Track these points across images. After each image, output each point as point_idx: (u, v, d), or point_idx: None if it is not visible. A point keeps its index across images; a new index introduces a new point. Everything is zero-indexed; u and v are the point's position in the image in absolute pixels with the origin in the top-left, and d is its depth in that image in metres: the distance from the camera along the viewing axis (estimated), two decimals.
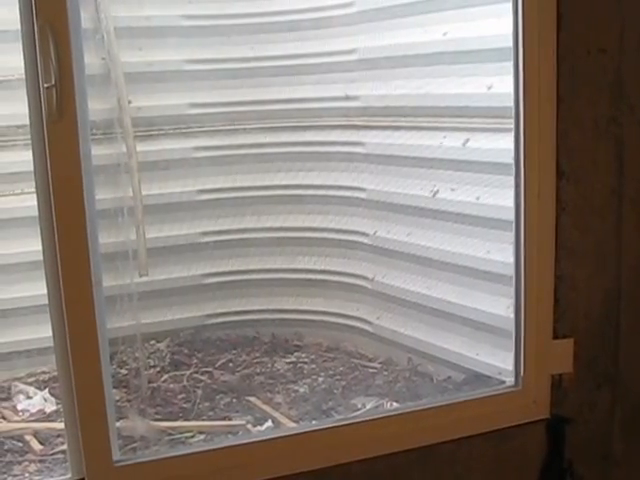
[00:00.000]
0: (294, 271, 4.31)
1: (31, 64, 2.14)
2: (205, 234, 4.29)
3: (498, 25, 2.79)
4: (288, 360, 4.07)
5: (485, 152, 3.38)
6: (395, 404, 3.30)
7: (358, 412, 3.40)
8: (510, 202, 3.17)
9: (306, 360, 4.06)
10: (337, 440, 2.59)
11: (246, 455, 2.48)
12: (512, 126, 2.89)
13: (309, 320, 4.32)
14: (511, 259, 3.22)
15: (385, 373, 3.84)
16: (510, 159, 3.18)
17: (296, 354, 4.14)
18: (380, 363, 3.95)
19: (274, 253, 4.31)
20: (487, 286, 3.43)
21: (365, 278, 4.10)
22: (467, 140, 3.46)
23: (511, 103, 2.86)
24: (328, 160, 4.16)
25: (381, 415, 2.75)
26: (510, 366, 2.98)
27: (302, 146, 4.21)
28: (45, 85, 2.11)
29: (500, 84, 3.27)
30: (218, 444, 2.59)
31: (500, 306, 3.39)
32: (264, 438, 2.58)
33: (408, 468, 2.63)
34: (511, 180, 3.18)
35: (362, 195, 4.07)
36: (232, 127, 4.23)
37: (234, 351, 4.18)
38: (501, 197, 3.30)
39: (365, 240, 4.09)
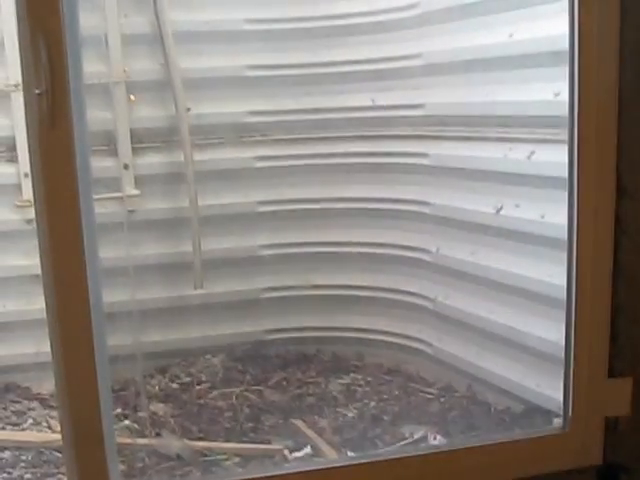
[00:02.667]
0: (356, 288, 3.97)
1: (28, 70, 1.97)
2: (264, 247, 4.00)
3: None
4: (343, 381, 3.73)
5: (551, 166, 3.01)
6: (439, 437, 2.97)
7: (403, 442, 3.10)
8: None
9: (361, 382, 3.71)
10: (366, 478, 2.32)
11: None
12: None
13: (371, 339, 3.97)
14: None
15: (442, 400, 3.49)
16: None
17: (352, 375, 3.79)
18: (438, 389, 3.57)
19: (336, 269, 3.97)
20: (550, 313, 3.06)
21: (427, 298, 3.73)
22: (532, 152, 3.09)
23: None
24: (391, 172, 3.81)
25: (417, 453, 2.43)
26: None
27: (365, 157, 3.87)
28: (37, 91, 1.94)
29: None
30: (225, 477, 2.36)
31: (563, 336, 3.04)
32: (276, 473, 2.32)
33: None
34: None
35: (426, 210, 3.69)
36: (293, 136, 3.92)
37: (289, 369, 3.88)
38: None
39: (427, 258, 3.71)
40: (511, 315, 3.25)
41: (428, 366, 3.75)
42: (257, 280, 4.01)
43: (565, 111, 2.89)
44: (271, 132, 3.92)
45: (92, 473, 2.12)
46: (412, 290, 3.81)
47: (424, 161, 3.69)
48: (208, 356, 3.95)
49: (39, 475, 3.12)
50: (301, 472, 2.34)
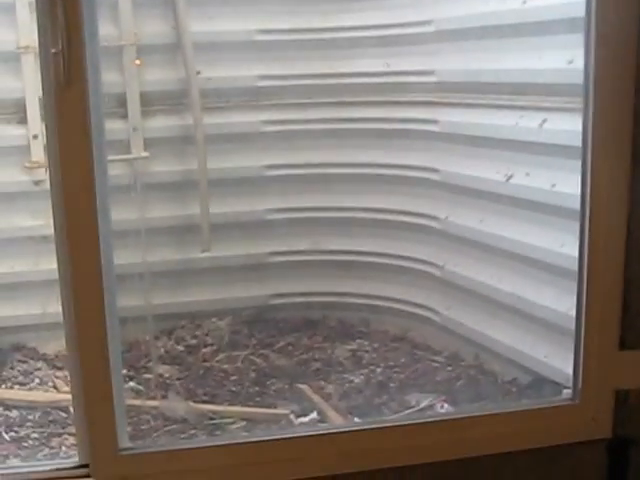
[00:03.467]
0: (364, 254, 3.91)
1: (44, 30, 1.92)
2: (272, 211, 3.94)
3: None
4: (349, 347, 3.69)
5: (563, 134, 2.94)
6: (446, 406, 2.93)
7: (409, 410, 3.06)
8: None
9: (368, 348, 3.68)
10: (373, 444, 2.26)
11: (260, 453, 2.18)
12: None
13: (377, 306, 3.92)
14: None
15: (449, 368, 3.44)
16: None
17: (359, 341, 3.75)
18: (445, 357, 3.53)
19: (344, 234, 3.91)
20: (560, 283, 3.00)
21: (435, 265, 3.68)
22: (544, 121, 3.02)
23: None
24: (401, 138, 3.74)
25: (424, 420, 2.39)
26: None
27: (374, 122, 3.79)
28: (52, 51, 1.90)
29: (582, 58, 2.86)
30: (230, 440, 2.30)
31: (571, 305, 2.99)
32: (282, 437, 2.26)
33: None
34: None
35: (435, 177, 3.63)
36: (303, 101, 3.84)
37: (296, 334, 3.84)
38: (579, 185, 2.90)
39: (436, 225, 3.65)
40: (520, 284, 3.20)
41: (435, 334, 3.70)
42: (264, 244, 3.96)
43: (579, 79, 2.84)
44: (281, 96, 3.85)
45: (100, 433, 2.09)
46: (420, 257, 3.75)
47: (434, 128, 3.62)
48: (214, 319, 3.90)
49: (45, 435, 3.11)
50: (307, 436, 2.31)
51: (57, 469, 2.16)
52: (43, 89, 1.97)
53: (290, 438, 2.27)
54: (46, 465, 2.24)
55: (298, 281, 3.99)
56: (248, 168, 3.89)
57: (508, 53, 3.16)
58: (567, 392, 2.37)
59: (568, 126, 2.94)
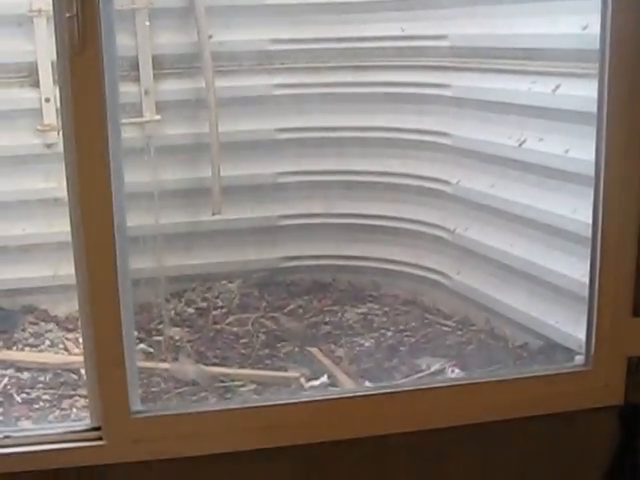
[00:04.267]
0: (374, 217, 3.87)
1: None
2: (283, 174, 3.90)
3: None
4: (359, 311, 3.67)
5: (577, 100, 2.90)
6: (457, 370, 2.91)
7: (420, 374, 3.04)
8: None
9: (378, 312, 3.66)
10: (383, 409, 2.24)
11: (269, 417, 2.17)
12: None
13: (388, 270, 3.88)
14: None
15: (459, 333, 3.42)
16: None
17: (369, 305, 3.73)
18: (455, 321, 3.50)
19: (354, 197, 3.87)
20: (572, 248, 2.96)
21: (446, 230, 3.64)
22: (558, 86, 2.98)
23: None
24: (413, 102, 3.69)
25: (435, 385, 2.36)
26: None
27: (386, 87, 3.73)
28: (67, 14, 1.86)
29: (597, 24, 2.81)
30: (242, 403, 2.28)
31: (583, 272, 2.95)
32: (292, 401, 2.25)
33: (455, 447, 2.24)
34: None
35: (447, 141, 3.58)
36: (315, 65, 3.79)
37: (306, 297, 3.81)
38: (593, 151, 2.85)
39: (447, 189, 3.61)
40: (532, 249, 3.17)
41: (445, 298, 3.67)
42: (275, 207, 3.93)
43: (593, 44, 2.79)
44: (294, 60, 3.80)
45: (113, 396, 2.08)
46: (431, 221, 3.71)
47: (446, 92, 3.58)
48: (224, 282, 3.89)
49: (56, 396, 3.11)
50: (317, 400, 2.29)
51: (69, 432, 2.14)
52: (57, 53, 1.94)
53: (301, 402, 2.25)
54: (58, 428, 2.22)
55: (309, 244, 3.96)
56: (260, 131, 3.84)
57: (522, 18, 3.10)
58: (579, 358, 2.35)
59: (582, 92, 2.89)
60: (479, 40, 3.42)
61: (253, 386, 3.02)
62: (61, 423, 2.83)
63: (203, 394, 2.96)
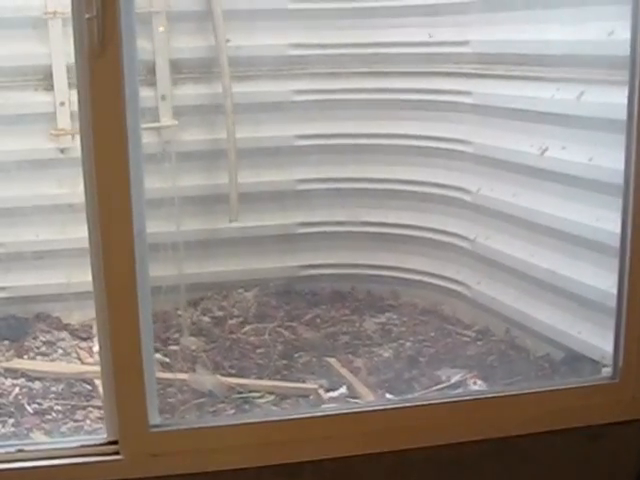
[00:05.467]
0: (393, 226, 3.84)
1: None
2: (302, 181, 3.87)
3: None
4: (378, 320, 3.63)
5: (602, 107, 2.86)
6: (479, 382, 2.87)
7: (440, 386, 3.00)
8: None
9: (397, 322, 3.62)
10: (405, 422, 2.22)
11: (290, 431, 2.15)
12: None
13: (407, 279, 3.85)
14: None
15: (479, 343, 3.38)
16: None
17: (387, 314, 3.69)
18: (475, 332, 3.47)
19: (374, 205, 3.85)
20: (595, 258, 2.92)
21: (466, 239, 3.60)
22: (582, 93, 2.94)
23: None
24: (434, 110, 3.66)
25: (459, 399, 2.33)
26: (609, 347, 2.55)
27: (407, 93, 3.70)
28: (86, 16, 1.85)
29: (623, 30, 2.77)
30: (262, 417, 2.25)
31: (608, 282, 2.91)
32: (312, 415, 2.23)
33: (478, 461, 2.22)
34: None
35: (468, 149, 3.55)
36: (335, 70, 3.77)
37: (323, 306, 3.78)
38: (617, 159, 2.82)
39: (468, 198, 3.57)
40: (553, 259, 3.13)
41: (464, 308, 3.64)
42: (294, 215, 3.91)
43: (619, 51, 2.76)
44: (313, 65, 3.78)
45: (130, 409, 2.06)
46: (451, 230, 3.68)
47: (468, 99, 3.55)
48: (241, 290, 3.86)
49: (69, 407, 3.06)
50: (338, 414, 2.26)
51: (84, 446, 2.12)
52: (75, 55, 1.94)
53: (322, 416, 2.23)
54: (73, 441, 2.20)
55: (327, 253, 3.93)
56: (278, 138, 3.82)
57: (546, 24, 3.07)
58: (607, 370, 2.32)
59: (607, 99, 2.87)
60: (501, 46, 3.38)
61: (271, 397, 2.98)
62: (76, 436, 2.78)
63: (220, 405, 2.92)
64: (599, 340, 2.93)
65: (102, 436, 2.12)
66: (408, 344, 3.38)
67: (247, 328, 3.56)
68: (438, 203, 3.73)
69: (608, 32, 2.77)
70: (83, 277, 3.82)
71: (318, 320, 3.66)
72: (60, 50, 3.56)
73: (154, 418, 2.12)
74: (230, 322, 3.62)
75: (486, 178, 3.49)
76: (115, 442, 2.09)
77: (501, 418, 2.26)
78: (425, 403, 2.27)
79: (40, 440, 2.80)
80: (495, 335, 3.43)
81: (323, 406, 2.79)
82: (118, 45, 1.89)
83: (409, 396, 2.80)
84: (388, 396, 2.86)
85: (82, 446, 2.11)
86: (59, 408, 3.05)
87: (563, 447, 2.24)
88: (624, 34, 2.72)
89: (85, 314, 3.74)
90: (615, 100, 2.82)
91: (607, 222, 2.87)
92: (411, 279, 3.88)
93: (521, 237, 3.30)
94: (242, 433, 2.12)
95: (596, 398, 2.28)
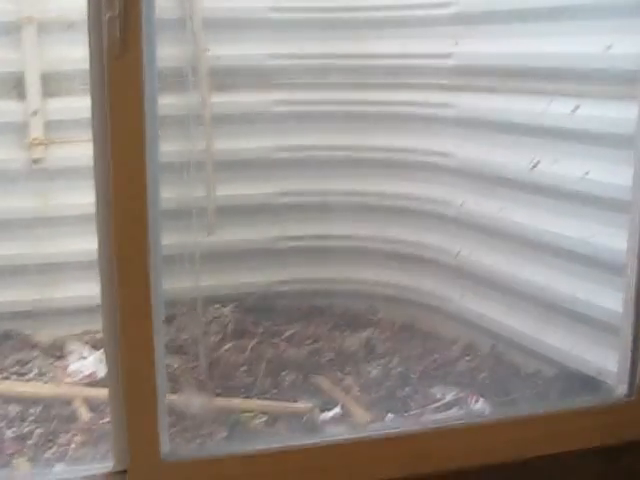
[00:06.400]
0: (374, 240, 3.79)
1: None
2: (281, 195, 3.81)
3: None
4: (360, 336, 3.55)
5: (598, 121, 2.85)
6: (481, 400, 2.83)
7: (437, 404, 2.95)
8: (624, 180, 2.71)
9: (379, 338, 3.55)
10: (417, 448, 2.17)
11: (301, 459, 2.08)
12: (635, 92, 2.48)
13: (384, 294, 3.80)
14: (619, 245, 2.77)
15: (466, 359, 3.35)
16: (629, 130, 2.72)
17: (369, 330, 3.62)
18: (461, 347, 3.41)
19: (354, 220, 3.79)
20: (589, 273, 2.90)
21: (448, 253, 3.57)
22: (577, 107, 2.93)
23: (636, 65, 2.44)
24: (415, 122, 3.61)
25: (468, 422, 2.28)
26: (612, 366, 2.53)
27: (388, 105, 3.66)
28: (108, 15, 1.78)
29: (621, 44, 2.77)
30: (284, 443, 2.16)
31: (602, 296, 2.89)
32: (319, 442, 2.14)
33: None
34: (627, 155, 2.72)
35: (450, 162, 3.51)
36: (315, 81, 3.71)
37: (302, 322, 3.68)
38: (615, 174, 2.80)
39: (450, 212, 3.54)
40: (543, 274, 3.09)
41: (446, 323, 3.59)
42: (271, 229, 3.83)
43: (617, 65, 2.76)
44: (293, 76, 3.70)
45: (142, 437, 1.96)
46: (432, 244, 3.63)
47: (450, 112, 3.50)
48: (217, 306, 3.78)
49: (51, 431, 2.92)
50: (348, 441, 2.18)
51: (89, 476, 2.01)
52: (91, 57, 1.85)
53: (329, 444, 2.15)
54: (76, 471, 2.10)
55: (305, 268, 3.86)
56: (257, 150, 3.75)
57: (540, 37, 3.04)
58: (622, 388, 2.29)
59: (604, 113, 2.85)
60: (486, 59, 3.34)
61: (264, 418, 2.90)
62: (78, 466, 2.64)
63: (212, 427, 2.82)
64: (594, 356, 2.91)
65: (106, 465, 2.01)
66: (395, 361, 3.32)
67: (228, 345, 3.47)
68: (419, 217, 3.67)
69: (606, 46, 2.76)
70: (52, 293, 3.75)
71: (298, 336, 3.58)
72: (34, 57, 3.45)
73: (166, 446, 2.03)
74: (208, 339, 3.53)
75: (470, 192, 3.45)
76: (124, 472, 1.98)
77: (515, 441, 2.21)
78: (436, 427, 2.22)
79: (24, 468, 2.68)
80: (481, 351, 3.39)
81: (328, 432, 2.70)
82: (140, 45, 1.82)
83: (420, 421, 2.69)
84: (390, 416, 2.79)
85: (86, 476, 2.01)
86: (40, 432, 2.91)
87: (581, 468, 2.20)
88: (623, 48, 2.73)
89: (54, 332, 3.62)
90: (612, 114, 2.83)
91: (605, 237, 2.86)
92: (389, 294, 3.83)
93: (509, 252, 3.27)
94: (262, 461, 2.04)
95: (612, 417, 2.26)
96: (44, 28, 3.48)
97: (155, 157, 1.93)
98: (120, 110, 1.83)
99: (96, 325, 3.62)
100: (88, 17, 1.83)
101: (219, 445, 2.59)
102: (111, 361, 1.98)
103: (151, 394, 1.96)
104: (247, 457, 2.07)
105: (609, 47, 2.76)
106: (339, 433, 2.42)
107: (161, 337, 2.01)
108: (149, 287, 1.92)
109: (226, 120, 3.64)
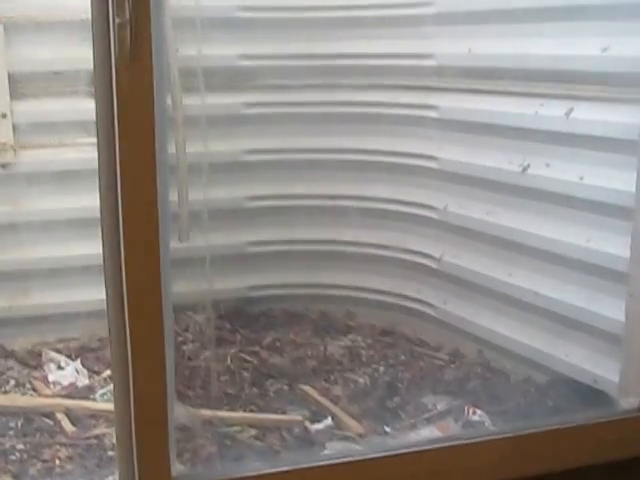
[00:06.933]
0: (348, 244, 3.69)
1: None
2: (251, 199, 3.70)
3: None
4: (342, 344, 3.48)
5: (593, 125, 2.80)
6: (479, 412, 2.76)
7: (429, 414, 2.87)
8: (621, 184, 2.67)
9: (362, 344, 3.47)
10: (419, 467, 2.10)
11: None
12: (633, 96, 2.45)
13: (362, 298, 3.72)
14: (615, 250, 2.73)
15: (453, 366, 3.27)
16: (625, 135, 2.68)
17: (350, 336, 3.54)
18: (446, 354, 3.34)
19: (327, 223, 3.68)
20: (582, 278, 2.84)
21: (431, 257, 3.48)
22: (571, 110, 2.88)
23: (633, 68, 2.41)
24: (395, 124, 3.52)
25: (477, 439, 2.21)
26: (611, 375, 2.49)
27: (365, 107, 3.56)
28: (117, 20, 1.73)
29: (619, 46, 2.71)
30: (291, 465, 2.07)
31: (598, 302, 2.84)
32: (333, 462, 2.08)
33: None
34: (623, 159, 2.68)
35: (433, 165, 3.43)
36: (287, 83, 3.58)
37: (280, 329, 3.59)
38: (611, 178, 2.76)
39: (433, 215, 3.46)
40: (535, 279, 3.02)
41: (427, 328, 3.51)
42: (244, 233, 3.71)
43: (614, 67, 2.71)
44: (264, 77, 3.59)
45: (152, 457, 1.89)
46: (413, 248, 3.55)
47: (432, 113, 3.42)
48: (190, 313, 3.65)
49: (34, 445, 2.77)
50: (359, 461, 2.11)
51: None
52: (96, 63, 1.81)
53: (348, 463, 2.07)
54: None
55: (278, 272, 3.75)
56: (227, 153, 3.61)
57: (533, 38, 2.97)
58: (633, 401, 2.24)
59: (599, 116, 2.80)
60: (470, 60, 3.25)
61: (253, 431, 2.79)
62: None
63: (199, 442, 2.71)
64: (589, 363, 2.87)
65: None
66: (381, 369, 3.23)
67: (207, 354, 3.36)
68: (399, 221, 3.58)
69: (602, 48, 2.71)
70: (24, 301, 3.60)
71: (278, 344, 3.48)
72: (1, 58, 3.29)
73: (176, 468, 1.93)
74: (186, 347, 3.41)
75: (454, 195, 3.37)
76: None
77: (526, 457, 2.16)
78: (459, 444, 2.15)
79: None
80: (467, 357, 3.32)
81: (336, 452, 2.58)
82: (149, 51, 1.76)
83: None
84: (387, 429, 2.70)
85: None
86: (22, 447, 2.76)
87: None
88: (620, 50, 2.68)
89: (29, 340, 3.48)
90: (608, 118, 2.78)
91: (600, 243, 2.81)
92: (366, 298, 3.75)
93: (496, 256, 3.19)
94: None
95: (623, 431, 2.21)
96: (11, 28, 3.33)
97: (165, 163, 1.88)
98: (131, 116, 1.77)
99: (70, 333, 3.54)
100: (93, 22, 1.77)
101: (236, 466, 2.46)
102: (118, 377, 1.88)
103: (162, 411, 1.86)
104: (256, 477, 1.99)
105: (605, 49, 2.71)
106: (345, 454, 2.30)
107: (171, 351, 1.91)
108: (160, 296, 1.85)
109: (195, 123, 3.51)
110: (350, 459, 2.04)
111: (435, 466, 2.08)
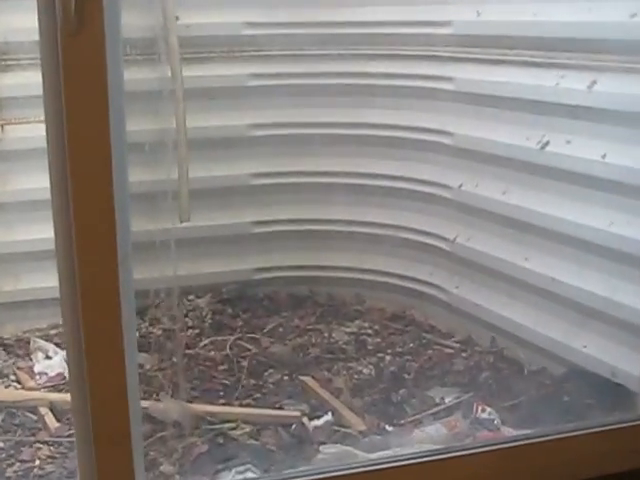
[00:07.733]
0: (357, 224, 3.48)
1: None
2: (256, 176, 3.50)
3: None
4: (348, 330, 3.27)
5: (617, 98, 2.56)
6: (488, 409, 2.54)
7: (435, 409, 2.67)
8: None
9: (369, 331, 3.27)
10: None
11: None
12: None
13: (371, 281, 3.50)
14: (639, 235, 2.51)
15: (464, 355, 3.05)
16: None
17: (357, 322, 3.33)
18: (457, 342, 3.13)
19: (335, 202, 3.48)
20: (603, 264, 2.62)
21: (444, 239, 3.26)
22: (594, 82, 2.63)
23: None
24: (409, 97, 3.30)
25: (485, 449, 2.00)
26: (631, 368, 2.28)
27: (377, 78, 3.34)
28: None
29: None
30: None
31: (619, 290, 2.61)
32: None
33: None
34: None
35: (447, 141, 3.21)
36: (294, 52, 3.40)
37: (284, 313, 3.40)
38: (635, 157, 2.52)
39: (447, 194, 3.23)
40: (553, 264, 2.80)
41: (439, 313, 3.30)
42: (248, 213, 3.52)
43: None
44: (268, 47, 3.38)
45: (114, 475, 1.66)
46: (426, 229, 3.33)
47: (448, 86, 3.19)
48: (192, 297, 3.47)
49: (13, 444, 2.58)
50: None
51: None
52: (41, 32, 1.59)
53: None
54: None
55: (283, 254, 3.55)
56: (230, 127, 3.43)
57: (549, 4, 2.73)
58: None
59: (624, 89, 2.56)
60: (489, 28, 3.03)
61: (247, 428, 2.59)
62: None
63: (191, 439, 2.51)
64: (607, 355, 2.65)
65: None
66: (387, 358, 3.02)
67: (205, 341, 3.17)
68: (411, 200, 3.36)
69: (631, 14, 2.46)
70: (14, 285, 3.42)
71: (281, 330, 3.28)
72: None
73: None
74: (185, 334, 3.21)
75: (469, 173, 3.14)
76: None
77: (538, 466, 1.95)
78: (470, 453, 1.94)
79: None
80: (479, 345, 3.10)
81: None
82: (100, 19, 1.54)
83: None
84: (388, 428, 2.50)
85: None
86: (1, 445, 2.57)
87: None
88: None
89: (18, 326, 3.30)
90: (634, 91, 2.54)
91: (623, 226, 2.58)
92: (375, 281, 3.53)
93: (512, 239, 2.97)
94: None
95: None
96: None
97: (122, 139, 1.67)
98: (78, 92, 1.57)
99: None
100: None
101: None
102: (74, 384, 1.69)
103: (124, 425, 1.66)
104: None
105: (634, 15, 2.47)
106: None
107: (132, 334, 1.72)
108: (117, 280, 1.66)
109: (197, 95, 3.30)
110: (337, 474, 1.83)
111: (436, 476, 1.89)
